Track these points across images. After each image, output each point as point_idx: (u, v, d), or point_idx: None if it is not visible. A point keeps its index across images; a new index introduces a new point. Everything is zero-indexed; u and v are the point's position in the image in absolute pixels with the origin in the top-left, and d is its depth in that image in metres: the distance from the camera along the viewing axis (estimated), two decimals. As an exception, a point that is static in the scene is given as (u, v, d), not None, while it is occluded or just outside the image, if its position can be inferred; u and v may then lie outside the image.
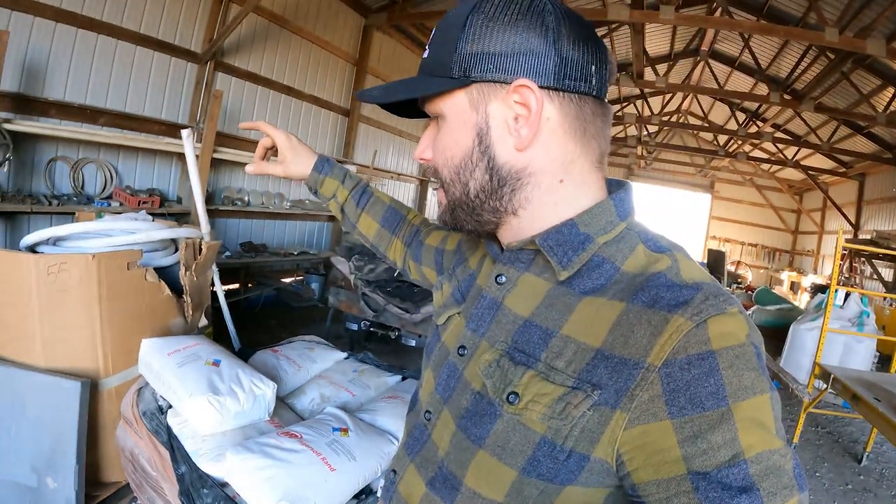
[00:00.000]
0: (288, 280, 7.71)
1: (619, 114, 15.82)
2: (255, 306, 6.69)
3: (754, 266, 20.55)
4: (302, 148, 1.23)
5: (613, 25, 10.40)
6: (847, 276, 13.46)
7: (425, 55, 0.75)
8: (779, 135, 14.47)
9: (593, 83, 0.69)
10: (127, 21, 4.95)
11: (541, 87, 0.67)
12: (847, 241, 12.52)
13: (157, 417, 2.24)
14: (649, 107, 15.44)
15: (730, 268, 18.32)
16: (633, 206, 0.75)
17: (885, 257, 11.24)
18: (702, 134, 19.53)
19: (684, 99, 17.35)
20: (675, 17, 7.03)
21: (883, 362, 6.99)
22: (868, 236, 12.41)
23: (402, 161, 11.00)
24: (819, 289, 12.18)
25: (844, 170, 15.11)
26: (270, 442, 2.01)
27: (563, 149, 0.71)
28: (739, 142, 16.00)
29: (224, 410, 2.12)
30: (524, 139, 0.69)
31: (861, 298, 6.69)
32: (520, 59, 0.67)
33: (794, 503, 0.54)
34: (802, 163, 15.86)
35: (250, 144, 6.63)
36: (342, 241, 8.42)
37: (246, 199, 6.69)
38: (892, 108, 9.67)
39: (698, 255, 21.53)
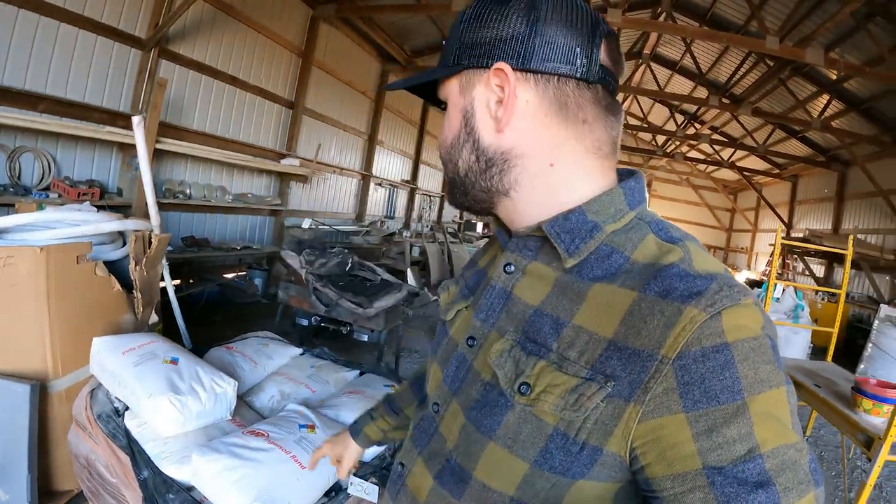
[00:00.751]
0: (230, 275, 7.50)
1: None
2: (198, 303, 6.48)
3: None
4: (339, 437, 1.36)
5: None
6: (780, 271, 14.02)
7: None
8: (716, 137, 14.98)
9: (578, 65, 0.68)
10: (70, 2, 4.71)
11: (516, 69, 0.68)
12: (783, 238, 13.00)
13: (113, 420, 2.12)
14: (592, 107, 15.70)
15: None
16: (645, 195, 0.75)
17: (816, 254, 11.78)
18: (640, 134, 20.01)
19: (625, 100, 17.73)
20: (621, 20, 7.18)
21: (816, 353, 7.32)
22: (800, 234, 12.99)
23: (346, 155, 10.86)
24: (754, 284, 12.67)
25: (778, 171, 15.82)
26: (237, 441, 1.94)
27: (546, 131, 0.70)
28: (677, 143, 16.46)
29: (186, 410, 2.03)
30: (502, 121, 0.70)
31: (796, 293, 6.97)
32: (502, 44, 0.69)
33: (811, 498, 0.54)
34: (738, 164, 16.48)
35: (193, 136, 6.45)
36: (288, 235, 8.29)
37: (188, 191, 6.46)
38: (826, 113, 10.14)
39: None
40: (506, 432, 0.68)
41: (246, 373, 2.78)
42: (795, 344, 6.89)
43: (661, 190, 22.60)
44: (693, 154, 18.25)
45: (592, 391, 0.61)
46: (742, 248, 20.01)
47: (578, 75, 0.68)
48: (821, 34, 6.87)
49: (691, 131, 15.35)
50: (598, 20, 0.70)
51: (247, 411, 2.51)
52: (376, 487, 1.46)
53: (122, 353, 2.22)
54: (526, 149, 0.71)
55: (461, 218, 18.40)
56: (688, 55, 11.55)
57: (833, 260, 12.22)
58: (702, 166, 19.68)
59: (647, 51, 13.00)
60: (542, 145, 0.71)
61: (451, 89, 0.76)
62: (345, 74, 9.98)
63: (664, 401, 0.57)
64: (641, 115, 17.57)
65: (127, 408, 2.17)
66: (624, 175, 0.77)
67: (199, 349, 2.96)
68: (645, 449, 0.59)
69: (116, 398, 2.21)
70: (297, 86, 8.55)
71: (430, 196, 16.41)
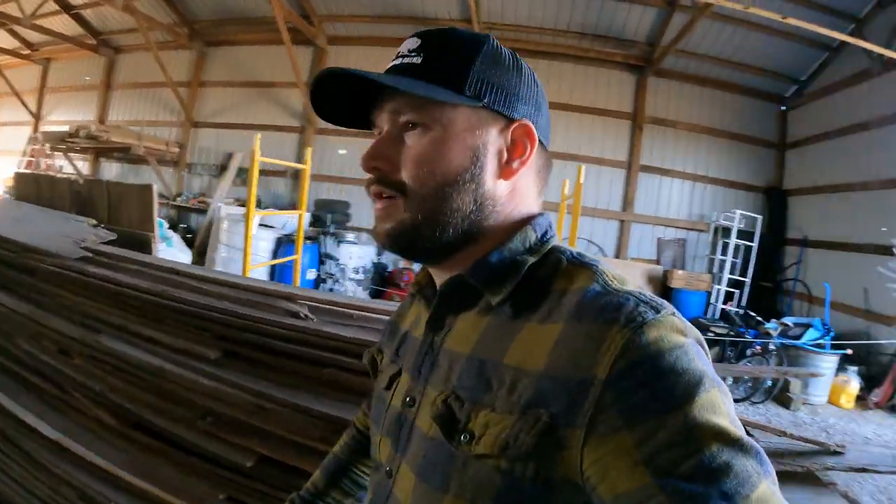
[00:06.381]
0: None
1: None
2: None
3: None
4: None
5: None
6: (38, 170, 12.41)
7: (416, 60, 0.74)
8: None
9: (547, 133, 0.82)
10: None
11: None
12: (47, 133, 11.60)
13: None
14: None
15: None
16: (553, 228, 0.80)
17: (82, 149, 11.06)
18: None
19: None
20: None
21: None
22: (61, 127, 11.71)
23: None
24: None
25: (30, 52, 13.50)
26: None
27: (532, 187, 0.81)
28: None
29: None
30: (511, 171, 0.76)
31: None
32: (528, 106, 0.77)
33: (764, 488, 0.54)
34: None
35: None
36: None
37: None
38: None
39: None
40: (458, 484, 0.67)
41: None
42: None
43: None
44: None
45: (530, 425, 0.62)
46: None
47: (545, 140, 0.80)
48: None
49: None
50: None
51: None
52: None
53: None
54: (510, 197, 0.77)
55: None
56: None
57: (99, 154, 11.73)
58: None
59: None
60: (525, 197, 0.80)
61: (457, 119, 0.74)
62: None
63: (603, 419, 0.58)
64: None
65: None
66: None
67: None
68: (594, 469, 0.59)
69: None
70: None
71: None
